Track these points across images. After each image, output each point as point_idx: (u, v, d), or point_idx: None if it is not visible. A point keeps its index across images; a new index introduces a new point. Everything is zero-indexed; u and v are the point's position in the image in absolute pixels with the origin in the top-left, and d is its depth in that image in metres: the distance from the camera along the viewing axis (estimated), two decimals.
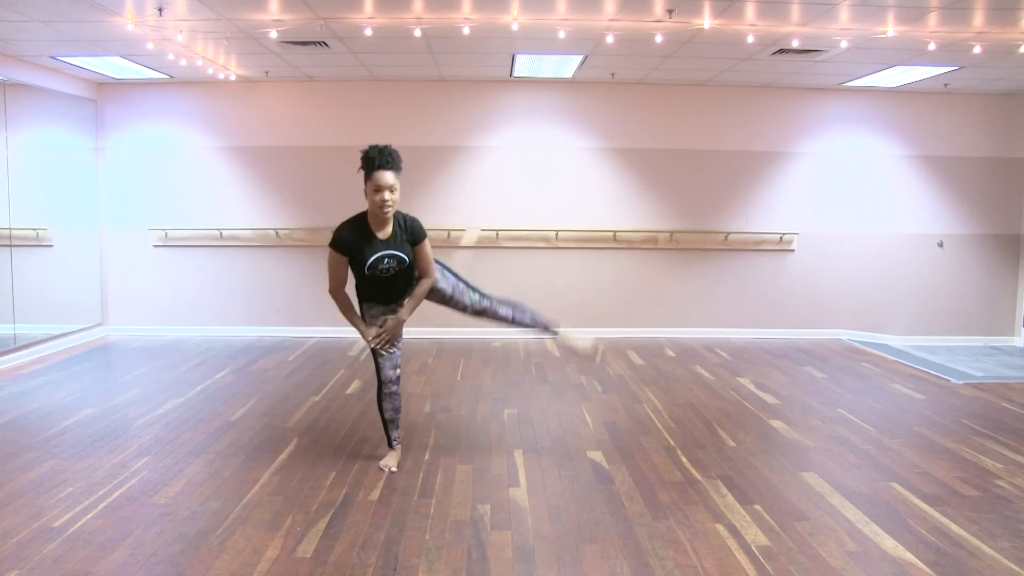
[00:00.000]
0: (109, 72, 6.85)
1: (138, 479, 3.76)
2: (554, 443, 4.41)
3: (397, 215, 3.72)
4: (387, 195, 3.53)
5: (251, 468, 3.94)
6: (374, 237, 3.64)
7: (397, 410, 3.94)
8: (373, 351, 3.84)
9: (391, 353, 3.84)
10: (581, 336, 4.03)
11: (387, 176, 3.53)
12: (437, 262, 3.94)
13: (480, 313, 4.03)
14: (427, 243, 3.78)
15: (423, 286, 3.82)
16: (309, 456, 4.14)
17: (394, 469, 3.91)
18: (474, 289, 4.03)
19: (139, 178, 7.56)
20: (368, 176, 3.55)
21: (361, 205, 3.68)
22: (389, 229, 3.67)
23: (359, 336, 4.10)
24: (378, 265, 3.65)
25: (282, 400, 5.28)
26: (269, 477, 3.83)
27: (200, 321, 7.66)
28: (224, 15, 5.03)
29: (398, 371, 3.87)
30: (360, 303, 3.91)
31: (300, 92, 7.49)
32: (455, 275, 4.03)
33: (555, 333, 4.14)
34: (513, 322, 4.05)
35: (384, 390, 3.88)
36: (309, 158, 7.54)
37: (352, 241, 3.63)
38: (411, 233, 3.72)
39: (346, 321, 3.83)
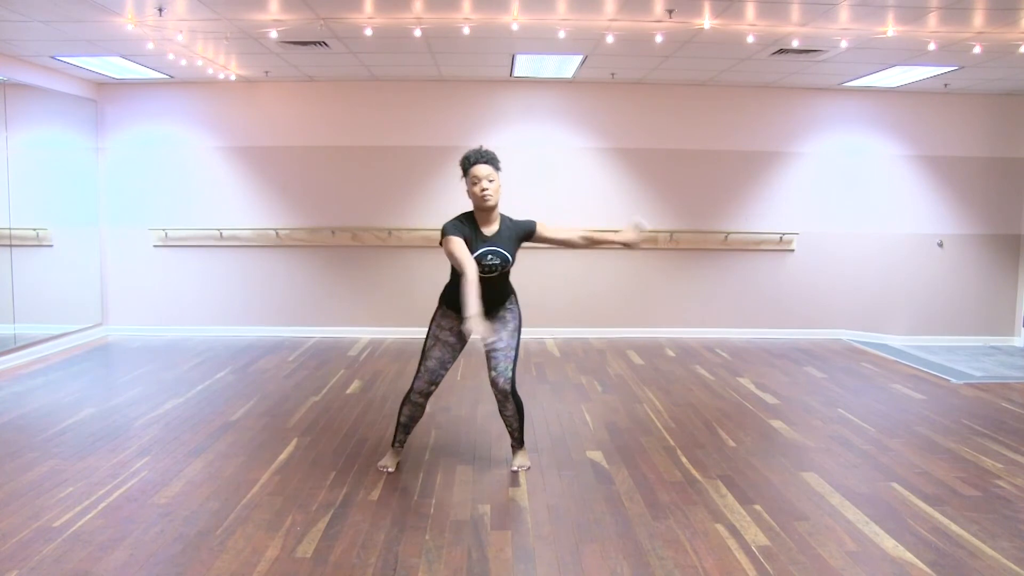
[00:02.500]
0: (109, 72, 6.85)
1: (138, 479, 3.76)
2: (554, 443, 4.41)
3: (505, 217, 3.72)
4: (486, 183, 3.55)
5: (251, 468, 3.94)
6: (480, 233, 3.64)
7: (414, 419, 3.93)
8: (423, 355, 3.79)
9: (440, 363, 3.77)
10: (525, 464, 3.97)
11: (483, 168, 3.57)
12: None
13: (494, 384, 3.78)
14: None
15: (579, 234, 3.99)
16: (309, 456, 4.14)
17: (391, 469, 3.91)
18: (514, 369, 3.81)
19: (139, 178, 7.56)
20: (466, 173, 3.61)
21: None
22: (495, 227, 3.67)
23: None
24: (482, 260, 3.59)
25: (282, 400, 5.28)
26: (269, 477, 3.83)
27: (200, 321, 7.66)
28: (224, 15, 5.03)
29: (433, 388, 3.82)
30: (439, 306, 3.83)
31: (300, 92, 7.49)
32: (517, 349, 3.84)
33: (518, 446, 4.00)
34: (504, 414, 3.89)
35: (411, 397, 3.86)
36: (309, 158, 7.54)
37: (463, 228, 3.61)
38: (521, 227, 3.74)
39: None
